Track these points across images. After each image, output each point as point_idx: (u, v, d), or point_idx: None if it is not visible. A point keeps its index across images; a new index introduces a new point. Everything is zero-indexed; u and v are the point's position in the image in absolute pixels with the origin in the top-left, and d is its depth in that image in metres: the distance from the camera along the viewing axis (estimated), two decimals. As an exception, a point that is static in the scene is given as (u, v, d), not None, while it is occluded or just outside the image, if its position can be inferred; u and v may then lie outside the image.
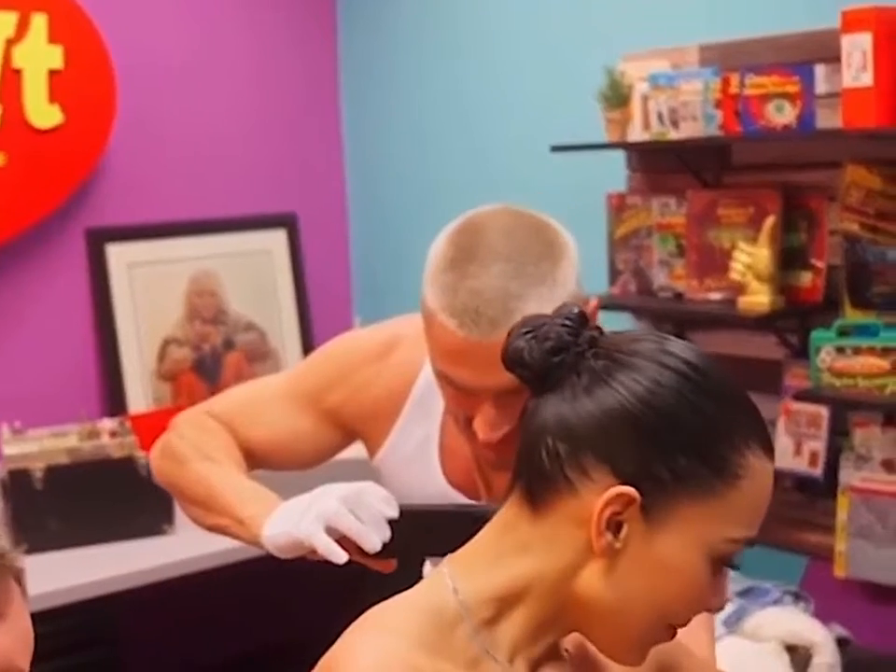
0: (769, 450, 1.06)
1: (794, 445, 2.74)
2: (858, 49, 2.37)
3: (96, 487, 2.94)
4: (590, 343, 1.06)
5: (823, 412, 2.69)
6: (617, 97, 2.85)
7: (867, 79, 2.37)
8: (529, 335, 1.07)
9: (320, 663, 1.03)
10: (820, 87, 2.54)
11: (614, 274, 3.03)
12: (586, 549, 1.03)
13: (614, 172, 3.05)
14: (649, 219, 2.95)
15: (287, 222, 3.76)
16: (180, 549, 2.88)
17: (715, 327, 2.90)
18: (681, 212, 2.87)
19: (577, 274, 1.44)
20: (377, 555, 1.39)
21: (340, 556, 1.36)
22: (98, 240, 3.44)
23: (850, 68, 2.39)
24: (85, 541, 2.93)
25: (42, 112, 3.23)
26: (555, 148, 2.93)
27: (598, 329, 1.09)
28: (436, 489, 1.60)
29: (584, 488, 1.02)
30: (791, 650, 2.39)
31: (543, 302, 1.37)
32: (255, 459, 1.66)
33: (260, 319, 3.71)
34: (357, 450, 1.74)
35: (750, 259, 2.62)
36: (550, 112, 3.25)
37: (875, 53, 2.35)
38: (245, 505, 1.48)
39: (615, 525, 1.02)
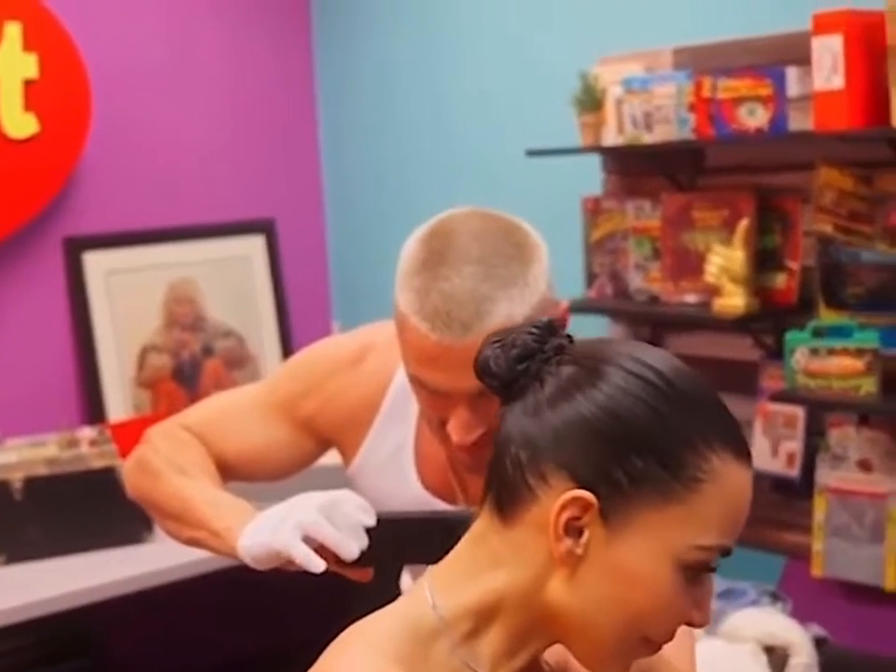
0: (742, 455, 1.04)
1: (771, 446, 2.75)
2: (829, 51, 2.39)
3: (76, 496, 2.94)
4: (556, 351, 1.07)
5: (799, 413, 2.70)
6: (591, 101, 2.86)
7: (838, 82, 2.38)
8: (497, 344, 1.08)
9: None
10: (793, 89, 2.55)
11: (591, 278, 3.04)
12: (551, 557, 1.02)
13: (590, 175, 3.06)
14: (624, 223, 2.96)
15: (265, 228, 3.76)
16: (161, 558, 2.88)
17: (691, 329, 2.91)
18: (656, 215, 2.88)
19: (548, 276, 1.45)
20: (354, 564, 1.39)
21: (318, 565, 1.36)
22: (75, 248, 3.44)
23: (821, 71, 2.40)
24: (65, 551, 2.92)
25: (17, 121, 3.22)
26: (531, 153, 2.95)
27: (568, 337, 1.09)
28: (412, 495, 1.61)
29: (544, 495, 1.02)
30: (769, 650, 2.40)
31: (514, 304, 1.40)
32: (229, 471, 1.66)
33: (239, 325, 3.71)
34: (333, 456, 1.74)
35: (725, 262, 2.64)
36: (526, 116, 3.26)
37: (845, 56, 2.36)
38: (221, 517, 1.49)
39: (576, 532, 1.01)
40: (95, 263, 3.47)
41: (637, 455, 1.01)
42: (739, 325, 2.70)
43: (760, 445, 2.75)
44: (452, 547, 1.13)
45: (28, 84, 3.23)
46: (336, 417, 1.65)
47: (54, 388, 3.42)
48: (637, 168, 2.97)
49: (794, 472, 2.73)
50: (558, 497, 1.01)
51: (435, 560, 1.10)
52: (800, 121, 2.53)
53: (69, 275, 3.43)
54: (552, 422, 1.03)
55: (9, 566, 2.88)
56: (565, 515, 1.00)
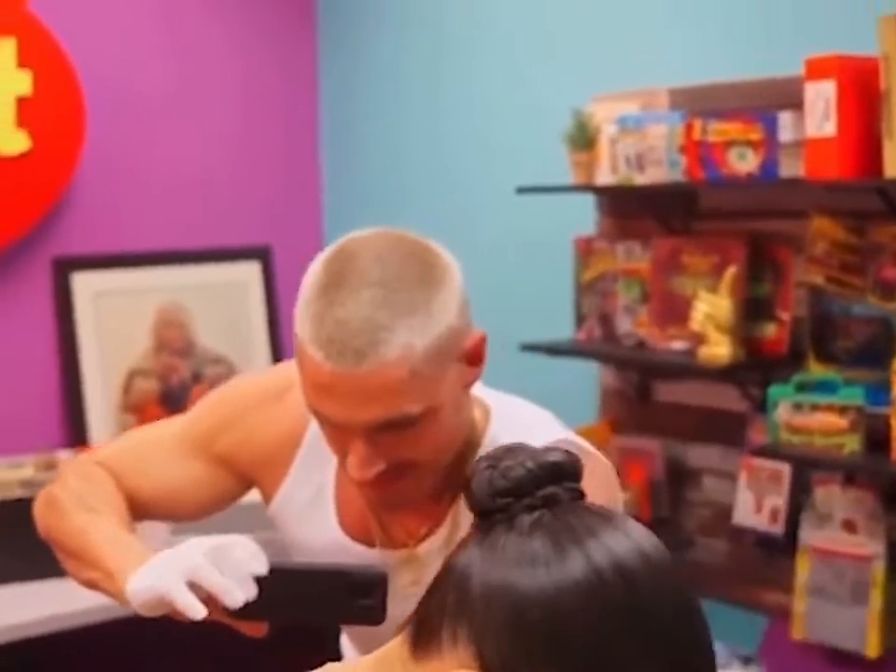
0: None
1: (755, 502, 2.66)
2: (821, 97, 2.31)
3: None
4: (545, 502, 0.90)
5: (784, 469, 2.61)
6: (583, 139, 2.79)
7: (830, 129, 2.30)
8: (489, 464, 0.92)
9: None
10: (786, 134, 2.47)
11: (580, 319, 2.96)
12: None
13: (582, 215, 2.99)
14: (615, 264, 2.88)
15: (261, 255, 3.71)
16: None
17: (678, 377, 2.83)
18: (647, 257, 2.81)
19: (458, 303, 1.36)
20: (244, 616, 1.32)
21: (198, 611, 1.29)
22: (64, 269, 3.39)
23: (814, 117, 2.33)
24: (35, 576, 2.85)
25: (9, 138, 3.18)
26: (521, 190, 2.88)
27: (575, 490, 0.92)
28: (332, 540, 1.52)
29: (448, 656, 0.88)
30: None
31: (414, 333, 1.31)
32: (143, 509, 1.59)
33: (231, 352, 3.65)
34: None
35: (711, 309, 2.55)
36: (518, 153, 3.19)
37: (838, 102, 2.29)
38: (116, 558, 1.41)
39: None
40: (84, 284, 3.42)
41: (556, 668, 0.83)
42: (725, 374, 2.61)
43: (744, 500, 2.66)
44: (351, 605, 1.04)
45: (21, 101, 3.19)
46: (255, 455, 1.57)
47: (37, 409, 3.37)
48: (630, 209, 2.90)
49: (778, 529, 2.63)
50: (453, 669, 0.86)
51: (332, 618, 1.00)
52: (792, 167, 2.45)
53: (57, 296, 3.38)
54: (491, 582, 0.87)
55: (-27, 590, 2.82)
56: None
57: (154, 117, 3.50)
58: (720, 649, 2.51)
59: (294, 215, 3.80)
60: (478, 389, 1.51)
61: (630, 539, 0.88)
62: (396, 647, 0.94)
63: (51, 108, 3.23)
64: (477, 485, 0.91)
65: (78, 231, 3.40)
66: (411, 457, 1.38)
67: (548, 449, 0.93)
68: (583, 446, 1.47)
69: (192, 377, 3.60)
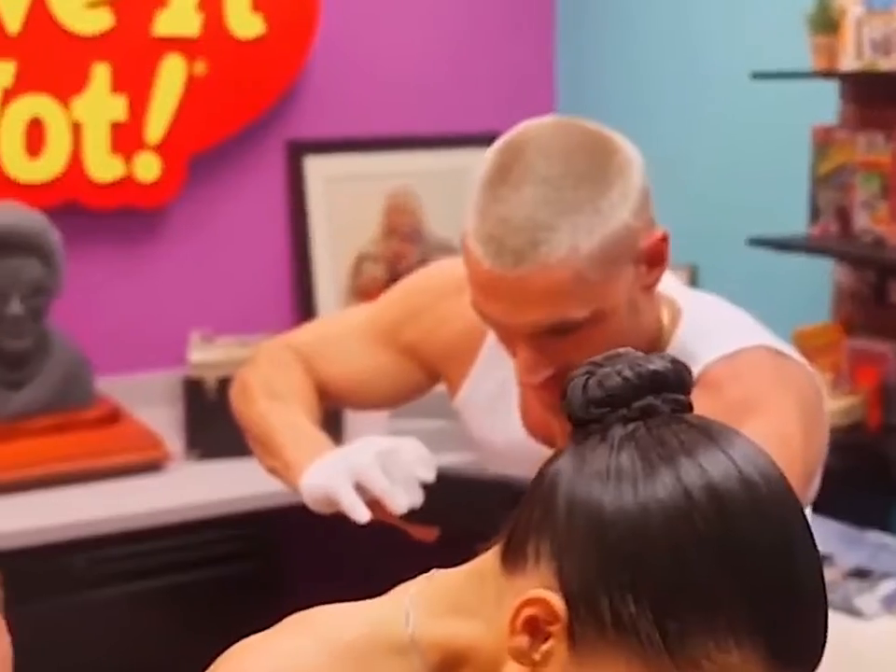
0: (783, 665, 0.79)
1: None
2: None
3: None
4: (641, 414, 0.85)
5: None
6: (826, 21, 2.61)
7: None
8: (587, 372, 0.88)
9: (228, 651, 0.92)
10: None
11: (815, 214, 2.81)
12: None
13: (823, 103, 2.82)
14: (854, 156, 2.71)
15: (490, 141, 3.65)
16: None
17: (918, 277, 2.66)
18: (889, 150, 2.63)
19: (636, 202, 1.26)
20: (412, 520, 1.30)
21: (362, 514, 1.28)
22: (297, 152, 3.43)
23: None
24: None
25: (244, 21, 3.22)
26: (757, 75, 2.73)
27: (675, 401, 0.86)
28: (514, 438, 1.48)
29: (531, 572, 0.85)
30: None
31: (579, 234, 1.23)
32: (331, 397, 1.59)
33: (457, 239, 3.62)
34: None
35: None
36: (756, 35, 3.02)
37: None
38: (294, 449, 1.41)
39: (541, 634, 0.83)
40: (316, 168, 3.45)
41: (633, 595, 0.79)
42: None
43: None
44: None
45: (257, -15, 3.22)
46: (439, 346, 1.54)
47: (269, 290, 3.45)
48: (875, 97, 2.72)
49: None
50: (535, 587, 0.83)
51: (496, 530, 0.97)
52: None
53: (289, 179, 3.43)
54: (575, 497, 0.83)
55: (202, 461, 2.93)
56: (527, 612, 0.83)
57: (387, 1, 3.47)
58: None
59: (525, 101, 3.72)
60: (671, 288, 1.43)
61: (732, 462, 0.81)
62: (490, 558, 0.91)
63: (286, -8, 3.24)
64: (572, 393, 0.87)
65: (311, 115, 3.43)
66: (579, 363, 1.30)
67: (651, 356, 0.87)
68: (783, 352, 1.38)
69: (420, 263, 3.60)
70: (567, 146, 1.27)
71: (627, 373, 0.85)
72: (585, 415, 0.86)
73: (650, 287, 1.34)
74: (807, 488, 1.33)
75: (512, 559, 0.87)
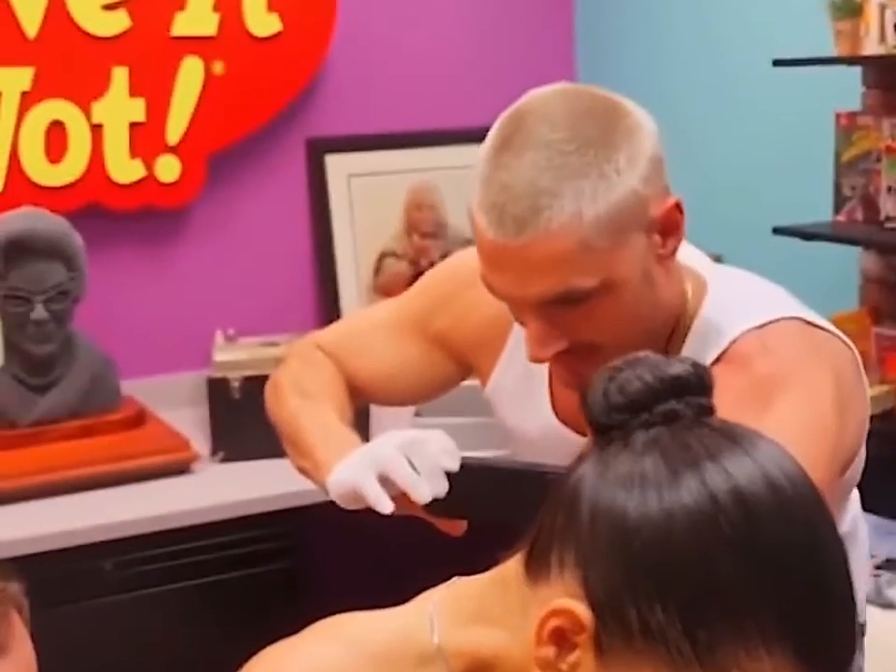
0: (815, 664, 0.78)
1: None
2: None
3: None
4: (664, 419, 0.83)
5: None
6: (848, 5, 2.59)
7: None
8: (609, 376, 0.86)
9: (259, 654, 0.92)
10: None
11: (840, 201, 2.79)
12: None
13: (847, 89, 2.80)
14: (880, 141, 2.69)
15: (511, 135, 3.64)
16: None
17: (946, 263, 2.64)
18: (914, 135, 2.61)
19: (646, 168, 1.22)
20: (438, 512, 1.28)
21: (386, 506, 1.26)
22: (317, 150, 3.42)
23: None
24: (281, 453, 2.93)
25: (261, 20, 3.21)
26: (778, 62, 2.70)
27: (701, 406, 0.84)
28: (546, 425, 1.46)
29: (555, 582, 0.83)
30: None
31: (583, 200, 1.18)
32: (362, 393, 1.57)
33: (479, 235, 3.62)
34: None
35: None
36: (776, 21, 2.99)
37: None
38: (324, 448, 1.39)
39: (568, 645, 0.82)
40: (336, 166, 3.44)
41: (660, 603, 0.77)
42: None
43: None
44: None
45: (274, -17, 3.21)
46: (468, 335, 1.52)
47: (291, 289, 3.44)
48: (897, 82, 2.69)
49: None
50: (559, 596, 0.82)
51: (525, 519, 0.94)
52: None
53: (310, 177, 3.42)
54: (599, 504, 0.81)
55: (225, 464, 2.92)
56: (553, 622, 0.81)
57: (405, -2, 3.47)
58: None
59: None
60: (696, 262, 1.39)
61: (756, 465, 0.80)
62: (513, 566, 0.90)
63: (302, -10, 3.23)
64: (593, 399, 0.85)
65: (331, 112, 3.42)
66: (591, 337, 1.26)
67: (672, 360, 0.85)
68: (818, 325, 1.32)
69: (442, 258, 3.56)
70: (574, 111, 1.24)
71: (648, 378, 0.84)
72: (607, 421, 0.85)
73: (665, 258, 1.28)
74: (843, 467, 1.27)
75: (536, 567, 0.86)
